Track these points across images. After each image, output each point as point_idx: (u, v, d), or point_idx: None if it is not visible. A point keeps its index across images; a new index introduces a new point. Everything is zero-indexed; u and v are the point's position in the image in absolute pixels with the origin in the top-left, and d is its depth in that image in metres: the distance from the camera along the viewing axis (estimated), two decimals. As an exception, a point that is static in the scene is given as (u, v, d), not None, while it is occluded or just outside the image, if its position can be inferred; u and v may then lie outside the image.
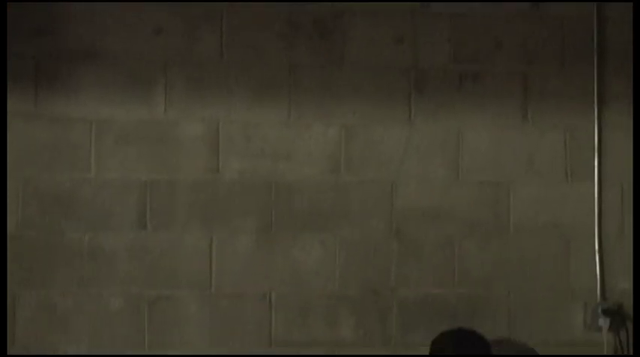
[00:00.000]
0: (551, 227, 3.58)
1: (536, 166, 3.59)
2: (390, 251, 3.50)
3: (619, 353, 3.56)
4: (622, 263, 3.60)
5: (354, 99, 3.52)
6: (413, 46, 3.54)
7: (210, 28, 3.46)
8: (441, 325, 3.36)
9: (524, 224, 3.57)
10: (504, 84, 3.60)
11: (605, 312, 3.53)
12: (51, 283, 3.35)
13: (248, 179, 3.46)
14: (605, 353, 3.52)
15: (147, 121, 3.43)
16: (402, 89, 3.55)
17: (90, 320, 3.36)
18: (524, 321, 3.55)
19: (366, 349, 3.46)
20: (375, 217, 3.51)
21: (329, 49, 3.51)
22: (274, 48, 3.49)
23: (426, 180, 3.54)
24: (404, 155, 3.53)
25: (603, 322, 3.53)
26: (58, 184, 3.38)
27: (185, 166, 3.45)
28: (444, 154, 3.55)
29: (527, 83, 3.61)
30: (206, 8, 3.46)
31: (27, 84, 3.38)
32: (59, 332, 3.34)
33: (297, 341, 3.44)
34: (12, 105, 3.33)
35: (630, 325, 3.57)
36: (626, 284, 3.59)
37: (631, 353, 3.54)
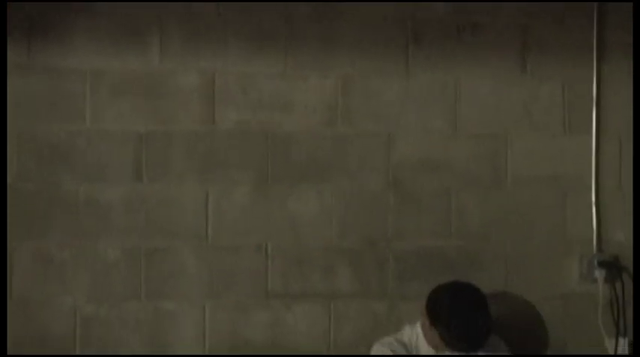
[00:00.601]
0: (549, 179, 3.58)
1: (535, 119, 3.58)
2: (387, 203, 3.49)
3: (614, 304, 3.56)
4: (618, 215, 3.61)
5: (351, 50, 3.49)
6: (411, -4, 3.51)
7: (206, -22, 3.42)
8: (438, 277, 3.36)
9: (522, 176, 3.57)
10: (503, 35, 3.57)
11: (601, 264, 3.54)
12: (47, 235, 3.34)
13: (244, 131, 3.44)
14: (600, 304, 3.52)
15: (142, 72, 3.40)
16: (399, 40, 3.52)
17: (87, 272, 3.36)
18: (520, 273, 3.56)
19: (363, 301, 3.47)
20: (372, 168, 3.49)
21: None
22: (271, -2, 3.46)
23: (424, 132, 3.52)
24: (401, 107, 3.51)
25: (599, 274, 3.54)
26: (53, 135, 3.35)
27: (181, 117, 3.42)
28: (442, 106, 3.53)
29: (526, 35, 3.59)
30: (202, -43, 3.41)
31: (20, 35, 3.34)
32: (56, 284, 3.34)
33: (294, 292, 3.45)
34: (5, 55, 3.30)
35: (626, 277, 3.58)
36: (622, 236, 3.60)
37: (625, 304, 3.55)
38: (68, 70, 3.36)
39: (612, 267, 3.55)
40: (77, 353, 3.34)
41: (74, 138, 3.37)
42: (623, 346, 3.55)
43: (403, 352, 3.21)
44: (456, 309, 3.11)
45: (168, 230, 3.40)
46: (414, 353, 3.24)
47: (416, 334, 3.27)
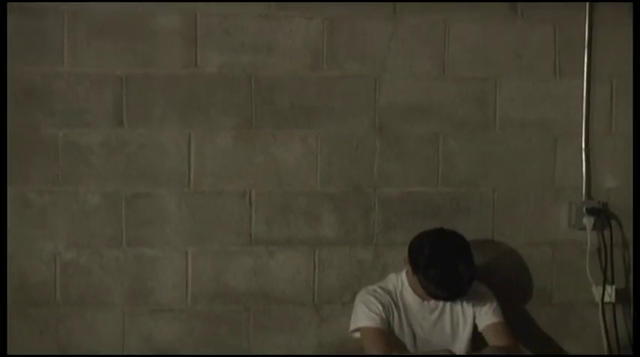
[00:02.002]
0: (538, 124, 3.52)
1: (525, 62, 3.50)
2: (373, 148, 3.43)
3: (602, 251, 3.53)
4: (609, 162, 3.57)
5: (337, -10, 3.40)
6: None
7: None
8: (424, 224, 3.32)
9: (511, 121, 3.50)
10: (494, -25, 3.47)
11: (590, 211, 3.50)
12: (26, 179, 3.27)
13: (227, 74, 3.36)
14: (588, 251, 3.49)
15: (121, 13, 3.29)
16: (387, -20, 3.42)
17: (66, 217, 3.30)
18: (508, 220, 3.52)
19: (347, 248, 3.43)
20: (357, 113, 3.42)
21: (311, -64, 3.37)
22: None
23: (411, 75, 3.44)
24: (388, 49, 3.42)
25: (587, 221, 3.50)
26: (30, 77, 3.26)
27: (162, 60, 3.33)
28: (430, 48, 3.45)
29: (517, -25, 3.49)
30: None
31: (-4, -27, 3.23)
32: (36, 229, 3.29)
33: (277, 239, 3.40)
34: (-21, -6, 3.19)
35: (614, 225, 3.53)
36: (611, 183, 3.56)
37: (612, 252, 3.53)
38: (45, 10, 3.25)
39: (601, 214, 3.51)
40: (57, 298, 3.29)
41: (52, 81, 3.28)
42: (610, 293, 3.52)
43: (387, 299, 3.17)
44: (435, 256, 3.07)
45: (150, 175, 3.34)
46: (399, 301, 3.20)
47: (401, 282, 3.23)
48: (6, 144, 3.20)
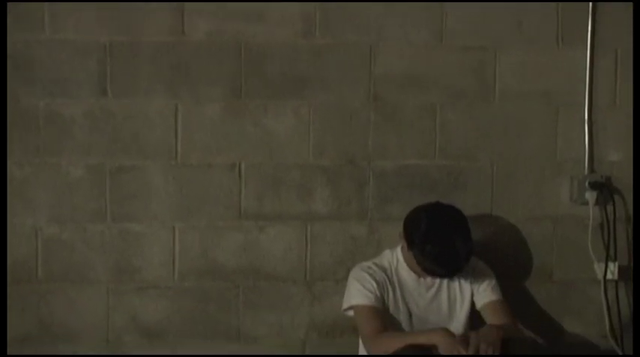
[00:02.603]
0: (540, 95, 3.41)
1: (526, 30, 3.39)
2: (368, 119, 3.32)
3: (604, 227, 3.43)
4: (612, 134, 3.47)
5: (330, -46, 3.27)
6: None
7: None
8: (420, 198, 3.22)
9: (511, 92, 3.40)
10: (494, -60, 3.34)
11: (593, 185, 3.40)
12: (6, 152, 3.14)
13: (216, 42, 3.25)
14: (590, 227, 3.39)
15: (105, -24, 3.17)
16: (382, -56, 3.29)
17: (49, 191, 3.20)
18: (508, 194, 3.42)
19: (341, 223, 3.32)
20: (352, 83, 3.31)
21: None
22: None
23: (408, 44, 3.33)
24: (384, 17, 3.30)
25: (590, 196, 3.41)
26: (10, 45, 3.14)
27: (148, 27, 3.23)
28: (427, 15, 3.34)
29: (518, -63, 3.36)
30: None
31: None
32: (17, 202, 3.18)
33: (268, 214, 3.29)
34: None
35: (618, 200, 3.43)
36: (615, 156, 3.47)
37: (615, 228, 3.43)
38: (24, -26, 3.13)
39: (604, 189, 3.41)
40: (38, 274, 3.19)
41: (33, 49, 3.17)
42: (613, 270, 3.42)
43: (382, 276, 3.06)
44: (432, 232, 2.97)
45: (135, 147, 3.24)
46: (394, 278, 3.09)
47: (396, 259, 3.13)
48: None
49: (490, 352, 2.75)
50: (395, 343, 2.82)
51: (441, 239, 2.95)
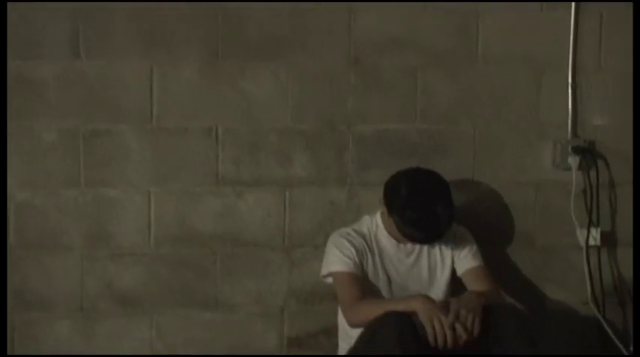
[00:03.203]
0: (523, 59, 3.35)
1: (509, -8, 3.32)
2: (348, 83, 3.26)
3: (587, 193, 3.39)
4: (596, 98, 3.43)
5: None
6: None
7: None
8: (401, 163, 3.16)
9: (494, 55, 3.34)
10: None
11: (576, 150, 3.36)
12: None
13: (192, 2, 3.15)
14: (573, 192, 3.34)
15: None
16: None
17: (20, 155, 3.12)
18: (490, 159, 3.37)
19: (320, 188, 3.27)
20: (331, 45, 3.24)
21: None
22: None
23: (389, 5, 3.26)
24: (364, -23, 3.22)
25: (573, 161, 3.36)
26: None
27: (122, -15, 3.13)
28: (409, -24, 3.25)
29: None
30: None
31: None
32: (-11, 169, 3.09)
33: (246, 179, 3.23)
34: None
35: (601, 165, 3.39)
36: (599, 120, 3.42)
37: (598, 193, 3.39)
38: None
39: (587, 153, 3.37)
40: (10, 241, 3.12)
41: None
42: (595, 236, 3.39)
43: (361, 243, 3.01)
44: (412, 197, 2.91)
45: (109, 111, 3.16)
46: (374, 245, 3.04)
47: (376, 225, 3.07)
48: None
49: (470, 319, 2.71)
50: (373, 311, 2.77)
51: (422, 204, 2.90)
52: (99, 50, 3.13)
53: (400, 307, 2.76)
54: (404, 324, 2.68)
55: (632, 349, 3.22)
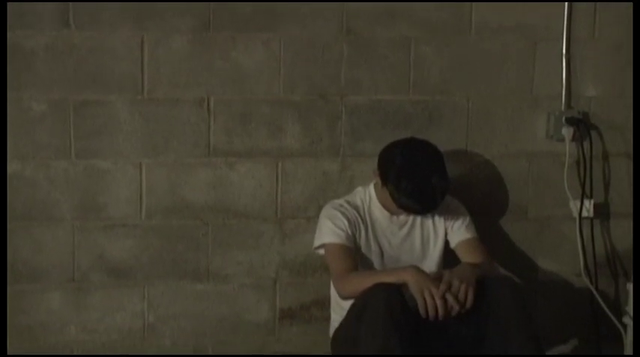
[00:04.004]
0: (517, 28, 3.32)
1: (503, -39, 3.28)
2: (340, 53, 3.22)
3: (580, 164, 3.38)
4: (591, 69, 3.40)
5: None
6: None
7: None
8: (394, 134, 3.14)
9: (488, 24, 3.30)
10: None
11: (569, 121, 3.33)
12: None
13: (183, -29, 3.12)
14: (566, 164, 3.33)
15: None
16: None
17: (9, 126, 3.08)
18: (483, 130, 3.35)
19: (313, 159, 3.25)
20: (324, 15, 3.20)
21: None
22: None
23: (382, -25, 3.21)
24: (357, -55, 3.18)
25: (566, 132, 3.33)
26: (-34, -26, 3.00)
27: (112, -46, 3.09)
28: (402, -55, 3.21)
29: None
30: None
31: None
32: (-22, 140, 3.06)
33: (238, 150, 3.21)
34: None
35: (594, 136, 3.37)
36: (593, 91, 3.39)
37: (592, 165, 3.38)
38: None
39: (581, 124, 3.34)
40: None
41: (-10, -23, 3.02)
42: (588, 208, 3.37)
43: (354, 214, 2.99)
44: (407, 167, 2.89)
45: (100, 81, 3.12)
46: (367, 216, 3.02)
47: (369, 196, 3.05)
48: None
49: (463, 289, 2.69)
50: (364, 282, 2.76)
51: (417, 175, 2.87)
52: (89, 20, 3.08)
53: (391, 278, 2.74)
54: (392, 296, 2.66)
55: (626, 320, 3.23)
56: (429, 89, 3.28)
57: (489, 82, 3.32)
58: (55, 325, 3.18)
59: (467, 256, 3.03)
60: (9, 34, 3.05)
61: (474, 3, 3.27)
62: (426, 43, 3.26)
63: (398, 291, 2.68)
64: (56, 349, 3.18)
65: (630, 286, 3.20)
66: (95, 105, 3.12)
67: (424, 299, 2.68)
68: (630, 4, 3.27)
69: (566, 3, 3.32)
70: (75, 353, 3.20)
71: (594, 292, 3.35)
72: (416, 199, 2.87)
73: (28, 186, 3.11)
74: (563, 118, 3.33)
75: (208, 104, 3.17)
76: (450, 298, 2.68)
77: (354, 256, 2.96)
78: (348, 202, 3.04)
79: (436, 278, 2.74)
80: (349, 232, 2.97)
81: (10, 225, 3.10)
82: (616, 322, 3.27)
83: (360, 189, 3.11)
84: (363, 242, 3.00)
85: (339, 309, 3.00)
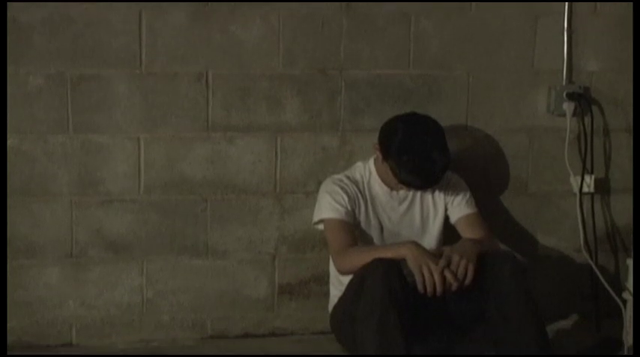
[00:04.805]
0: (518, 3, 3.29)
1: None
2: (340, 27, 3.19)
3: (581, 139, 3.36)
4: (592, 43, 3.38)
5: None
6: None
7: None
8: (394, 109, 3.13)
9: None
10: None
11: (570, 96, 3.31)
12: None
13: (181, -57, 3.08)
14: (567, 139, 3.31)
15: None
16: None
17: (7, 101, 3.04)
18: (484, 105, 3.33)
19: (312, 134, 3.22)
20: (323, -12, 3.17)
21: None
22: None
23: (382, -53, 3.18)
24: None
25: (567, 107, 3.32)
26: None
27: None
28: None
29: None
30: None
31: None
32: (-25, 114, 3.03)
33: (237, 125, 3.19)
34: None
35: (596, 111, 3.35)
36: (594, 66, 3.37)
37: (593, 140, 3.36)
38: None
39: (582, 99, 3.33)
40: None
41: (-14, -50, 2.98)
42: (589, 183, 3.36)
43: (353, 189, 2.98)
44: (408, 142, 2.87)
45: (97, 55, 3.09)
46: (366, 191, 3.00)
47: (369, 171, 3.04)
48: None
49: (463, 265, 2.68)
50: (362, 258, 2.75)
51: (418, 149, 2.85)
52: (86, -7, 3.07)
53: (389, 254, 2.73)
54: (391, 271, 2.66)
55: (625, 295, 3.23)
56: (429, 64, 3.26)
57: (490, 56, 3.30)
58: (54, 301, 3.17)
59: (467, 232, 3.02)
60: (5, 8, 3.02)
61: (474, -24, 3.24)
62: (426, 17, 3.23)
63: (397, 267, 2.67)
64: (55, 325, 3.17)
65: (630, 262, 3.20)
66: (93, 79, 3.09)
67: (422, 275, 2.67)
68: (632, -22, 3.24)
69: (568, -23, 3.30)
70: (74, 328, 3.19)
71: (594, 267, 3.34)
72: (417, 174, 2.85)
73: (26, 161, 3.09)
74: (564, 93, 3.31)
75: (207, 79, 3.15)
76: (448, 274, 2.67)
77: (354, 232, 2.94)
78: (348, 177, 3.03)
79: (436, 254, 2.73)
80: (349, 207, 2.95)
81: (8, 200, 3.07)
82: (616, 297, 3.26)
83: (359, 164, 3.09)
84: (362, 217, 2.99)
85: (338, 284, 2.99)
